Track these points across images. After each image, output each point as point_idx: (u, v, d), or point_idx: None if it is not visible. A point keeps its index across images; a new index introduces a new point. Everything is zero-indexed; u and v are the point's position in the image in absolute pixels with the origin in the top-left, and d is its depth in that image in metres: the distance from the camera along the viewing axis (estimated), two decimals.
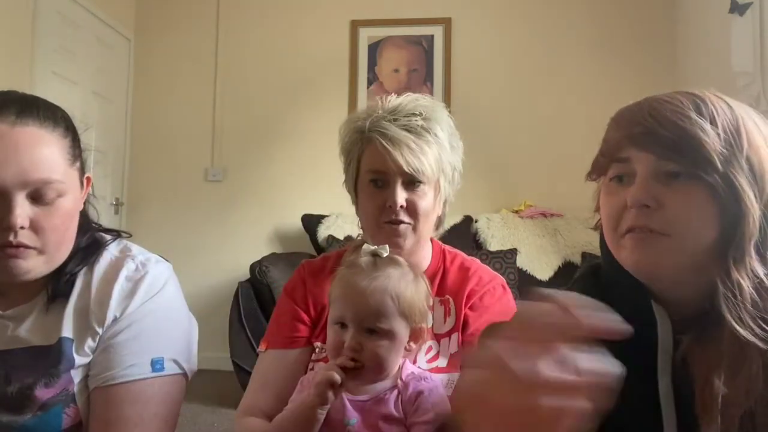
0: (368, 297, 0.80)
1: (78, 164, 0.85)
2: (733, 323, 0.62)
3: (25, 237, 0.77)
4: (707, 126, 0.63)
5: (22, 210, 0.76)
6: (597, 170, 0.72)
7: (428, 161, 0.92)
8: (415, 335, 0.84)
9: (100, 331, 0.83)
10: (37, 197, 0.78)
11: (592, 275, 0.79)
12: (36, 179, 0.77)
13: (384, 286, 0.81)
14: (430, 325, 0.95)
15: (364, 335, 0.79)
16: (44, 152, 0.78)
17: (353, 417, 0.80)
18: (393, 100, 0.99)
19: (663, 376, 0.68)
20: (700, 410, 0.64)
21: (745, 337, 0.61)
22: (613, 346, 0.71)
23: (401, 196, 0.93)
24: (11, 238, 0.75)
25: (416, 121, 0.93)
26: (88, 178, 0.91)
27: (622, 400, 0.70)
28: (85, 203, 0.92)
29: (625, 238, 0.67)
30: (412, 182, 0.94)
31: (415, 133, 0.93)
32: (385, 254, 0.86)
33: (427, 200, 0.95)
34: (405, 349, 0.84)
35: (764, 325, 0.62)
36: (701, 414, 0.64)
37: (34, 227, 0.77)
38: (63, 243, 0.83)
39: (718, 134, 0.63)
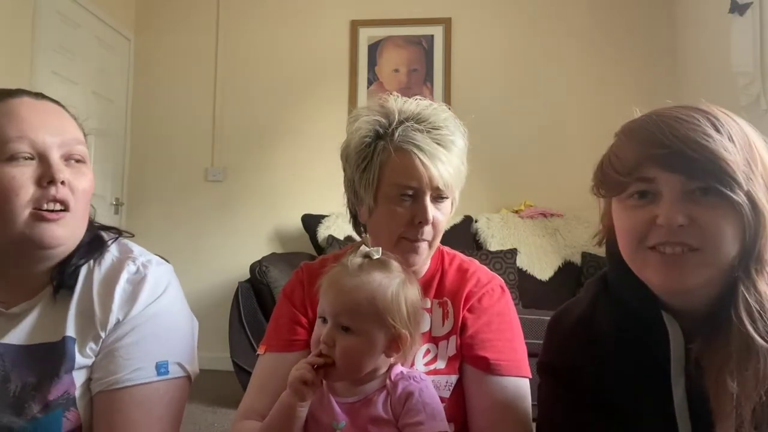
0: (345, 295, 0.80)
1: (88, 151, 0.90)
2: (752, 332, 0.63)
3: (65, 195, 0.80)
4: (729, 144, 0.64)
5: (62, 167, 0.81)
6: (611, 188, 0.72)
7: (452, 175, 0.91)
8: (395, 343, 0.81)
9: (102, 334, 0.83)
10: (68, 159, 0.83)
11: (603, 287, 0.79)
12: (70, 138, 0.83)
13: (361, 286, 0.81)
14: (426, 329, 0.94)
15: (339, 332, 0.80)
16: (68, 120, 0.87)
17: (342, 420, 0.79)
18: (408, 104, 0.96)
19: (677, 385, 0.69)
20: (715, 409, 0.64)
21: (762, 346, 0.63)
22: (626, 358, 0.71)
23: (432, 212, 0.91)
24: (53, 191, 0.79)
25: (446, 134, 0.92)
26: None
27: (636, 409, 0.70)
28: None
29: (650, 253, 0.68)
30: (438, 197, 0.92)
31: (444, 147, 0.91)
32: (376, 256, 0.85)
33: (447, 215, 0.95)
34: (385, 355, 0.82)
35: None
36: (716, 412, 0.64)
37: (68, 186, 0.82)
38: (86, 215, 0.86)
39: (739, 152, 0.64)
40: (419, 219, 0.90)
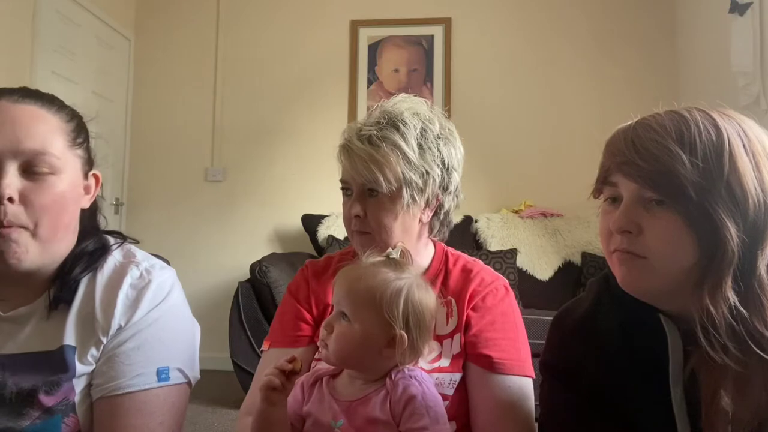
0: (348, 283, 0.82)
1: (80, 152, 0.85)
2: (706, 347, 0.63)
3: (14, 214, 0.75)
4: (684, 156, 0.64)
5: (11, 180, 0.75)
6: (594, 191, 0.76)
7: (382, 172, 0.93)
8: (392, 341, 0.80)
9: (104, 340, 0.82)
10: (28, 170, 0.77)
11: (605, 286, 0.79)
12: (29, 149, 0.76)
13: (364, 276, 0.81)
14: (433, 332, 0.93)
15: (339, 319, 0.81)
16: (41, 127, 0.79)
17: (340, 418, 0.79)
18: (376, 109, 1.01)
19: (675, 387, 0.69)
20: (705, 425, 0.65)
21: (721, 360, 0.62)
22: (627, 358, 0.71)
23: (356, 206, 0.96)
24: (1, 216, 0.74)
25: (372, 131, 0.95)
26: (96, 176, 0.90)
27: (636, 410, 0.70)
28: (94, 205, 0.92)
29: (612, 257, 0.71)
30: (369, 193, 0.96)
31: (371, 144, 0.94)
32: (393, 256, 0.86)
33: (385, 211, 0.95)
34: (383, 355, 0.81)
35: (741, 349, 0.62)
36: (706, 429, 0.64)
37: (24, 201, 0.76)
38: (58, 229, 0.80)
39: (696, 164, 0.63)
40: (348, 212, 0.99)
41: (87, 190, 0.89)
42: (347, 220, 1.00)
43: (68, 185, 0.81)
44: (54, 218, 0.79)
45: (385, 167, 0.93)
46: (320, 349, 0.82)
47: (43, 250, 0.79)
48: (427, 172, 0.96)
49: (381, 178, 0.93)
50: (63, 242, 0.83)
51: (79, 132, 0.86)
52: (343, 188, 1.01)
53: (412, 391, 0.78)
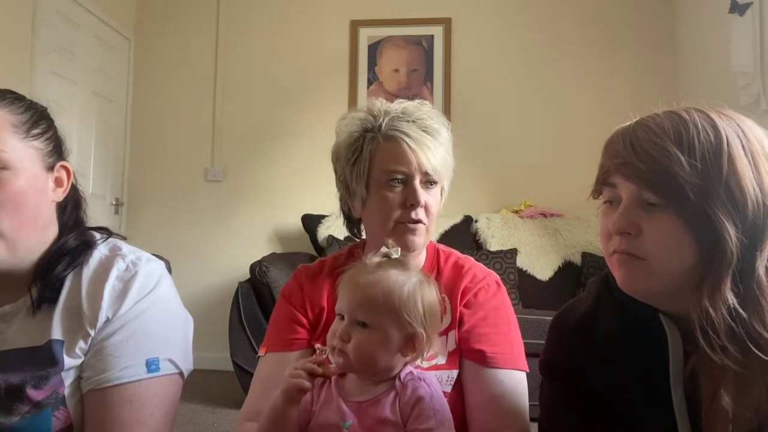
0: (362, 290, 0.81)
1: (37, 143, 0.83)
2: (706, 348, 0.63)
3: None
4: (683, 158, 0.63)
5: None
6: (593, 192, 0.76)
7: (439, 162, 0.96)
8: (411, 342, 0.81)
9: (92, 333, 0.81)
10: None
11: (605, 286, 0.80)
12: None
13: (378, 282, 0.81)
14: (440, 328, 0.93)
15: (355, 327, 0.80)
16: None
17: (349, 419, 0.79)
18: (392, 104, 1.01)
19: (676, 387, 0.69)
20: (705, 425, 0.65)
21: (721, 360, 0.62)
22: (627, 358, 0.72)
23: (423, 193, 0.95)
24: None
25: (430, 124, 0.97)
26: (66, 168, 0.88)
27: (637, 410, 0.70)
28: (74, 197, 0.90)
29: (612, 258, 0.71)
30: (428, 182, 0.96)
31: (430, 134, 0.96)
32: (395, 256, 0.86)
33: (437, 200, 0.98)
34: (402, 355, 0.82)
35: (740, 350, 0.62)
36: (706, 429, 0.64)
37: None
38: (23, 225, 0.80)
39: (695, 165, 0.63)
40: (411, 201, 0.94)
41: (58, 182, 0.87)
42: (395, 211, 0.94)
43: (26, 179, 0.80)
44: (14, 214, 0.79)
45: (440, 158, 0.96)
46: (333, 357, 0.80)
47: (12, 247, 0.80)
48: (453, 169, 1.02)
49: (440, 168, 0.96)
50: (32, 238, 0.83)
51: (36, 123, 0.84)
52: (394, 178, 0.94)
53: (420, 393, 0.79)
